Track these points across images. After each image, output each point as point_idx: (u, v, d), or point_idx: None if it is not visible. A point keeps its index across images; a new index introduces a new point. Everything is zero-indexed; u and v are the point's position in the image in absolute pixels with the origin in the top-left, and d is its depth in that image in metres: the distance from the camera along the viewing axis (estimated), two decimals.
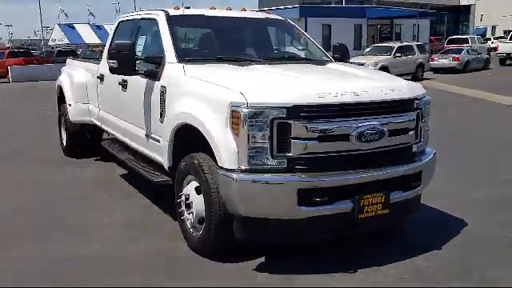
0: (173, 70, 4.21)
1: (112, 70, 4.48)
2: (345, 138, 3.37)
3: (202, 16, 5.00)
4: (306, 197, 3.28)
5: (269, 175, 3.29)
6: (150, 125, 4.55)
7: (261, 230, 3.45)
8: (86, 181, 6.09)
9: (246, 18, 5.33)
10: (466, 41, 34.50)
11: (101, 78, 5.93)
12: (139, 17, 5.36)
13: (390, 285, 3.36)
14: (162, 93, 4.24)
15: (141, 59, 4.66)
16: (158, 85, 4.33)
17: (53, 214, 4.91)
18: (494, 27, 54.92)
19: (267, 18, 5.47)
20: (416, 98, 3.77)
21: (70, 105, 6.89)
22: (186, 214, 3.94)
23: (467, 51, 26.52)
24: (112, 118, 5.68)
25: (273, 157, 3.29)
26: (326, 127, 3.31)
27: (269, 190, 3.29)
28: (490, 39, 45.55)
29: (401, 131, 3.63)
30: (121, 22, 5.96)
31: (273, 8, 29.25)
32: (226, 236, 3.61)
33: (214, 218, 3.55)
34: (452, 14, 53.31)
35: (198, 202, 3.75)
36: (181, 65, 4.18)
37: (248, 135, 3.26)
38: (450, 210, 4.69)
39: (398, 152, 3.70)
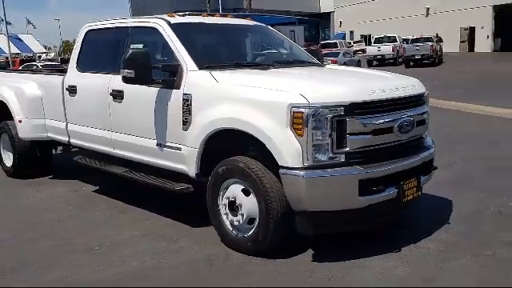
0: (197, 77, 4.23)
1: (127, 80, 4.34)
2: (390, 130, 3.76)
3: (202, 23, 5.05)
4: (365, 187, 3.60)
5: (332, 170, 3.54)
6: (165, 134, 4.49)
7: (324, 222, 3.68)
8: (60, 200, 5.72)
9: (239, 24, 5.49)
10: (335, 45, 37.52)
11: (71, 89, 5.61)
12: (124, 25, 5.20)
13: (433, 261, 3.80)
14: (186, 101, 4.24)
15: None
16: (177, 93, 4.31)
17: (56, 237, 4.58)
18: (351, 32, 59.97)
19: (255, 24, 5.66)
20: (425, 93, 4.31)
21: (20, 121, 6.37)
22: (230, 216, 4.01)
23: (343, 54, 28.86)
24: (93, 131, 5.41)
25: (333, 152, 3.55)
26: (376, 122, 3.67)
27: (334, 183, 3.54)
28: (349, 43, 49.65)
29: (420, 122, 4.13)
30: (90, 31, 5.70)
31: None
32: (283, 233, 3.77)
33: (273, 216, 3.69)
34: (313, 21, 57.21)
35: (247, 203, 3.85)
36: (205, 72, 4.23)
37: (311, 134, 3.49)
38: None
39: (419, 141, 4.20)
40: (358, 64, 30.02)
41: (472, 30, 43.25)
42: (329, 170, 3.54)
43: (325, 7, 67.86)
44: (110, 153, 5.27)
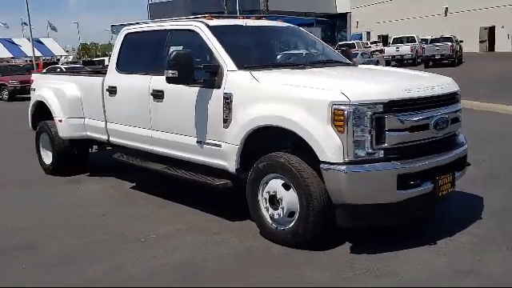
0: (238, 77, 4.43)
1: (171, 80, 4.56)
2: (426, 127, 3.91)
3: (238, 26, 5.26)
4: (403, 181, 3.76)
5: (372, 164, 3.71)
6: (206, 131, 4.70)
7: (364, 216, 3.85)
8: (100, 196, 5.96)
9: (273, 26, 5.69)
10: (353, 46, 37.53)
11: (111, 90, 5.85)
12: (163, 28, 5.42)
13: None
14: (226, 99, 4.43)
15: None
16: (218, 92, 4.51)
17: (103, 230, 4.81)
18: (368, 33, 59.83)
19: (288, 26, 5.85)
20: (458, 91, 4.45)
21: (60, 121, 6.65)
22: (270, 210, 4.19)
23: (361, 55, 28.89)
24: (132, 129, 5.64)
25: (372, 148, 3.72)
26: (413, 119, 3.82)
27: (373, 177, 3.71)
28: (367, 44, 49.55)
29: (454, 120, 4.26)
30: (128, 34, 5.94)
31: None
32: (323, 225, 3.95)
33: (313, 209, 3.86)
34: (330, 22, 57.24)
35: (287, 197, 4.03)
36: (246, 72, 4.42)
37: (352, 130, 3.66)
38: None
39: (453, 138, 4.34)
40: (377, 64, 30.05)
41: (492, 29, 42.89)
42: (368, 164, 3.70)
43: (341, 8, 67.76)
44: (150, 150, 5.49)
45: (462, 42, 32.30)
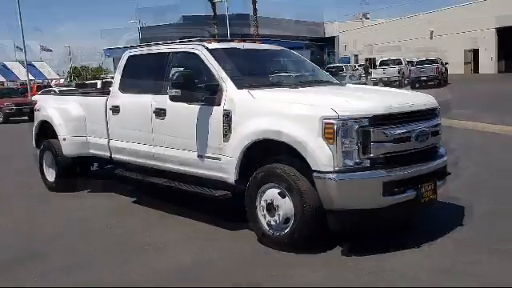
0: (236, 95, 4.82)
1: (174, 99, 4.95)
2: (408, 139, 4.32)
3: (236, 48, 5.69)
4: (388, 188, 4.14)
5: (360, 173, 4.09)
6: (206, 146, 5.06)
7: (352, 220, 4.21)
8: (104, 210, 6.26)
9: (267, 49, 6.13)
10: (341, 68, 38.37)
11: (115, 109, 6.21)
12: (165, 51, 5.83)
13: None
14: (226, 116, 4.82)
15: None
16: (218, 109, 4.89)
17: (109, 240, 5.11)
18: (356, 56, 61.06)
19: (282, 49, 6.30)
20: (438, 107, 4.88)
21: (64, 139, 6.97)
22: (267, 217, 4.54)
23: (349, 77, 29.63)
24: (135, 145, 5.99)
25: (359, 158, 4.11)
26: (396, 131, 4.23)
27: (362, 185, 4.09)
28: (355, 66, 50.58)
29: (435, 133, 4.68)
30: (131, 56, 6.34)
31: None
32: (315, 230, 4.30)
33: (307, 215, 4.22)
34: (319, 46, 58.38)
35: (283, 204, 4.39)
36: (243, 90, 4.82)
37: (341, 142, 4.05)
38: None
39: (434, 150, 4.75)
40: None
41: (476, 52, 44.08)
42: (356, 173, 4.09)
43: (329, 32, 69.23)
44: (151, 165, 5.84)
45: (447, 64, 33.23)
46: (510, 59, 41.17)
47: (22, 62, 47.58)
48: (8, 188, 7.90)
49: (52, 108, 7.31)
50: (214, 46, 5.47)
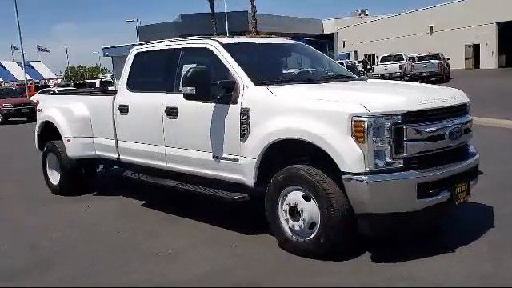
0: (254, 92, 4.53)
1: (189, 97, 4.66)
2: (441, 137, 4.03)
3: (250, 43, 5.40)
4: (422, 190, 3.86)
5: (393, 174, 3.81)
6: (222, 147, 4.78)
7: (385, 224, 3.93)
8: (112, 214, 5.98)
9: (282, 43, 5.84)
10: (342, 65, 38.04)
11: (123, 108, 5.92)
12: (175, 47, 5.53)
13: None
14: (244, 114, 4.53)
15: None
16: (235, 108, 4.61)
17: (120, 245, 4.83)
18: (355, 52, 60.75)
19: (296, 43, 6.01)
20: (468, 102, 4.60)
21: (68, 140, 6.68)
22: (290, 222, 4.25)
23: None
24: (145, 147, 5.70)
25: (392, 158, 3.82)
26: (430, 129, 3.95)
27: (395, 187, 3.80)
28: (354, 63, 50.31)
29: (466, 130, 4.40)
30: (138, 53, 6.04)
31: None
32: (344, 235, 4.02)
33: (334, 219, 3.94)
34: (319, 42, 58.16)
35: (308, 208, 4.11)
36: (262, 87, 4.54)
37: (372, 141, 3.77)
38: None
39: (466, 148, 4.47)
40: None
41: (476, 47, 43.81)
42: (389, 174, 3.80)
43: (328, 28, 69.01)
44: (163, 167, 5.55)
45: (449, 59, 32.93)
46: (510, 54, 40.93)
47: (19, 62, 47.32)
48: (10, 191, 7.61)
49: (55, 108, 7.01)
50: (227, 40, 5.18)
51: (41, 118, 7.27)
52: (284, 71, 5.39)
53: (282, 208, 4.34)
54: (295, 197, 4.20)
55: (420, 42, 46.28)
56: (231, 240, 4.75)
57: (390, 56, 35.00)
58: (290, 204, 4.24)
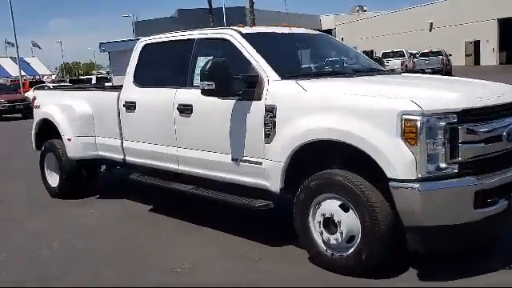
0: (281, 87, 4.03)
1: (206, 93, 4.15)
2: (499, 138, 3.53)
3: (272, 33, 4.89)
4: (480, 199, 3.37)
5: (448, 181, 3.31)
6: (243, 148, 4.28)
7: (438, 238, 3.44)
8: (119, 221, 5.47)
9: (305, 33, 5.32)
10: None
11: (130, 105, 5.40)
12: (189, 37, 5.01)
13: None
14: (269, 112, 4.03)
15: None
16: (258, 105, 4.10)
17: (131, 258, 4.33)
18: (355, 47, 60.39)
19: (320, 33, 5.50)
20: None
21: (69, 139, 6.15)
22: (325, 235, 3.75)
23: None
24: (154, 147, 5.19)
25: (446, 163, 3.33)
26: (487, 129, 3.45)
27: (451, 195, 3.31)
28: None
29: None
30: (146, 45, 5.52)
31: None
32: (389, 250, 3.53)
33: (378, 232, 3.45)
34: None
35: (347, 219, 3.61)
36: (290, 81, 4.04)
37: (424, 143, 3.27)
38: None
39: None
40: None
41: (477, 43, 43.43)
42: (444, 181, 3.31)
43: (326, 25, 68.53)
44: (175, 169, 5.04)
45: (450, 55, 32.56)
46: (511, 50, 40.57)
47: (13, 58, 46.52)
48: (7, 193, 7.07)
49: (54, 105, 6.47)
50: (247, 30, 4.67)
51: (38, 115, 6.74)
52: (310, 63, 4.88)
53: (314, 219, 3.84)
54: (331, 206, 3.70)
55: (419, 38, 45.86)
56: (255, 253, 4.25)
57: (391, 52, 34.55)
58: (324, 215, 3.74)
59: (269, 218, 4.88)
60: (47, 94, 7.17)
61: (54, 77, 57.53)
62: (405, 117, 3.30)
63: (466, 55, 44.11)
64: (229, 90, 4.13)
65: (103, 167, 6.62)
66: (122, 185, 6.92)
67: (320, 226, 3.78)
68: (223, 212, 5.15)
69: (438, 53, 30.47)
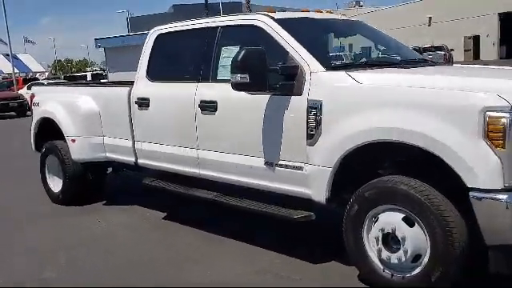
0: (328, 80, 3.47)
1: (239, 87, 3.58)
2: None
3: (307, 18, 4.32)
4: None
5: None
6: (279, 151, 3.71)
7: None
8: (132, 232, 4.89)
9: (342, 20, 4.78)
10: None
11: (142, 102, 4.82)
12: (211, 25, 4.43)
13: None
14: (313, 109, 3.46)
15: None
16: (299, 100, 3.54)
17: (149, 278, 3.76)
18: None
19: (357, 20, 4.93)
20: None
21: (73, 140, 5.56)
22: (384, 253, 3.20)
23: None
24: (171, 149, 4.62)
25: None
26: None
27: None
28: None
29: None
30: (160, 35, 4.93)
31: None
32: (465, 272, 2.98)
33: (453, 251, 2.89)
34: None
35: (413, 236, 3.05)
36: (340, 73, 3.48)
37: None
38: None
39: None
40: None
41: (476, 38, 42.96)
42: None
43: None
44: (195, 174, 4.47)
45: (452, 50, 32.10)
46: (511, 45, 40.17)
47: (5, 54, 45.61)
48: (5, 199, 6.48)
49: (56, 102, 5.87)
50: (280, 15, 4.09)
51: (38, 113, 6.13)
52: (355, 53, 4.32)
53: (369, 233, 3.28)
54: (392, 220, 3.14)
55: (418, 33, 45.31)
56: (295, 271, 3.69)
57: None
58: (383, 229, 3.18)
59: (305, 230, 4.31)
60: (47, 91, 6.57)
61: (47, 74, 56.70)
62: (489, 113, 2.74)
63: (464, 50, 43.62)
64: (265, 84, 3.56)
65: (109, 170, 6.06)
66: (129, 188, 6.38)
67: (378, 243, 3.22)
68: (248, 221, 4.60)
69: (441, 48, 30.00)
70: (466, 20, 42.73)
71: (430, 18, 47.12)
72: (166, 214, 5.34)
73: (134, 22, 54.01)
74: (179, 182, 4.74)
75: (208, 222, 4.84)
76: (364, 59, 4.22)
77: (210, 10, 42.18)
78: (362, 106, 3.26)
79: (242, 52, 3.50)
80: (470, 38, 43.49)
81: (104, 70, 37.06)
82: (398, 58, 4.34)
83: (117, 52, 27.96)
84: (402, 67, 3.81)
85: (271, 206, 3.89)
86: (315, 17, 4.45)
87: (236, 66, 3.51)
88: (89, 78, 32.37)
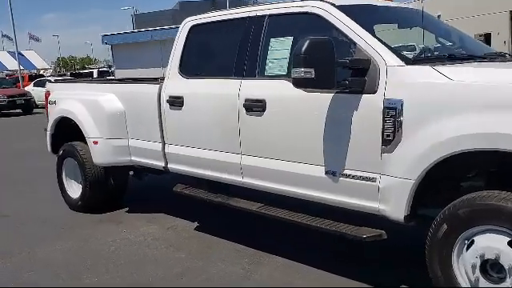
0: (410, 76, 2.94)
1: (301, 84, 3.05)
2: None
3: (371, 6, 3.80)
4: None
5: None
6: (345, 158, 3.19)
7: None
8: (162, 245, 4.38)
9: (407, 9, 4.25)
10: None
11: (175, 101, 4.31)
12: (256, 14, 3.90)
13: None
14: (391, 110, 2.93)
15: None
16: (372, 100, 3.01)
17: None
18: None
19: (418, 10, 4.38)
20: None
21: (95, 142, 5.05)
22: (482, 282, 2.67)
23: None
24: (209, 153, 4.10)
25: None
26: None
27: None
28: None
29: None
30: (195, 26, 4.41)
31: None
32: None
33: None
34: None
35: None
36: (424, 68, 2.95)
37: None
38: None
39: None
40: None
41: (487, 36, 42.31)
42: None
43: None
44: (237, 182, 3.96)
45: None
46: None
47: (10, 51, 45.15)
48: (17, 205, 5.98)
49: (75, 100, 5.35)
50: (342, 1, 3.55)
51: (55, 112, 5.61)
52: (426, 45, 3.79)
53: (461, 258, 2.76)
54: (495, 244, 2.61)
55: None
56: None
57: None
58: (482, 255, 2.65)
59: (367, 249, 3.79)
60: (65, 88, 6.03)
61: (50, 71, 56.23)
62: None
63: None
64: (332, 80, 3.03)
65: (130, 173, 5.56)
66: (153, 193, 5.89)
67: (475, 271, 2.69)
68: (300, 237, 4.09)
69: None
70: (477, 18, 42.05)
71: (439, 15, 46.49)
72: (197, 223, 4.85)
73: (139, 19, 53.42)
74: (214, 190, 4.24)
75: (247, 235, 4.34)
76: (438, 52, 3.65)
77: (218, 7, 41.80)
78: (456, 106, 2.72)
79: (306, 42, 2.97)
80: (480, 36, 42.81)
81: (110, 67, 36.54)
82: (483, 50, 3.83)
83: (123, 49, 27.44)
84: (489, 61, 3.28)
85: (328, 221, 3.39)
86: (378, 4, 3.92)
87: (299, 59, 2.98)
88: (95, 74, 31.86)
